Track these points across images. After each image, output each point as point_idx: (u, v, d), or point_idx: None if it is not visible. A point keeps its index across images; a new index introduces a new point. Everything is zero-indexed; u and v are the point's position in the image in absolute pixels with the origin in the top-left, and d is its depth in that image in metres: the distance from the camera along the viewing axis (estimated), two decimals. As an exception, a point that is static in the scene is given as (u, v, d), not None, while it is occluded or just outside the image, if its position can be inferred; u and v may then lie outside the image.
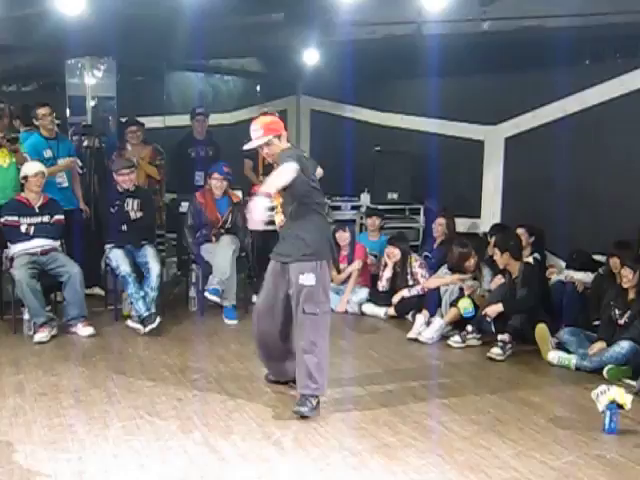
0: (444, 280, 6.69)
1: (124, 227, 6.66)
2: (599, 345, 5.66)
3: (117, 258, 6.49)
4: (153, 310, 6.38)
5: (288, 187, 4.38)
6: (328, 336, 4.61)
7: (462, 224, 8.28)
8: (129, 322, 6.45)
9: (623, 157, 6.80)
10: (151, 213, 7.07)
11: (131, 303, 6.46)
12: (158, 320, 6.31)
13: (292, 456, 4.01)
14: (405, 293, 7.04)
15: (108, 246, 6.66)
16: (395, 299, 7.08)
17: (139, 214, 6.75)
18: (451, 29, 6.62)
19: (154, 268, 6.53)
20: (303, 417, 4.44)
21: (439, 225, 7.71)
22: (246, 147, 4.72)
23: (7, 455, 3.93)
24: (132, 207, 6.72)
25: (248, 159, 8.30)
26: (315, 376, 4.47)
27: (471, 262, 6.64)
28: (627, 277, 5.69)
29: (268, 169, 8.32)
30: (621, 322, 5.68)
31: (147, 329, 6.27)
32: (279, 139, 4.60)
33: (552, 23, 6.14)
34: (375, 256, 7.70)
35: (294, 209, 4.54)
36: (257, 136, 4.59)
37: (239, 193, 7.59)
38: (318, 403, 4.55)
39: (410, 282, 7.09)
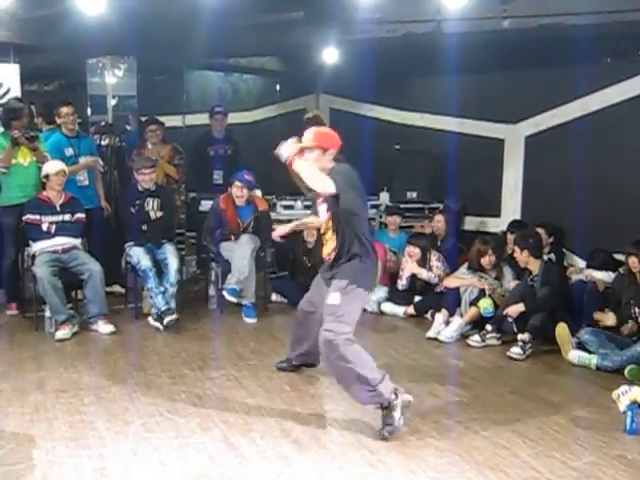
0: (464, 282, 6.66)
1: (144, 227, 6.71)
2: (629, 327, 5.67)
3: (137, 254, 6.55)
4: (172, 306, 6.44)
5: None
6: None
7: (473, 223, 8.28)
8: (150, 320, 6.47)
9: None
10: (171, 212, 7.11)
11: (151, 297, 6.49)
12: (176, 315, 6.38)
13: (311, 453, 4.01)
14: (423, 274, 7.11)
15: (128, 244, 6.70)
16: (407, 271, 7.18)
17: (159, 214, 6.78)
18: (471, 27, 6.59)
19: (172, 264, 6.58)
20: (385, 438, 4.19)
21: (437, 222, 7.74)
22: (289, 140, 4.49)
23: (28, 451, 3.97)
24: (152, 207, 6.76)
25: None
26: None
27: (487, 260, 6.60)
28: (647, 272, 5.66)
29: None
30: (642, 320, 5.67)
31: (166, 321, 6.33)
32: (324, 153, 4.44)
33: (572, 20, 6.10)
34: (395, 252, 7.69)
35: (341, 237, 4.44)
36: (306, 139, 4.49)
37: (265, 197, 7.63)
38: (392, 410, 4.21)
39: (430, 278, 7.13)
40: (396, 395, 4.21)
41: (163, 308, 6.36)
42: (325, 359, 4.50)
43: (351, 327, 4.35)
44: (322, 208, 4.71)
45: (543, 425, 4.48)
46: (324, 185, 4.23)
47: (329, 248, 4.60)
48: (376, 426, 4.33)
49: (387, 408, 4.21)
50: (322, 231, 4.76)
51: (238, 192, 7.02)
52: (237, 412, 4.58)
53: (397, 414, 4.18)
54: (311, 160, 4.42)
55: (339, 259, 4.49)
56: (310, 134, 4.50)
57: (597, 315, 5.95)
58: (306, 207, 7.91)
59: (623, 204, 6.88)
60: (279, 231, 5.25)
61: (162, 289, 6.45)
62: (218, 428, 4.32)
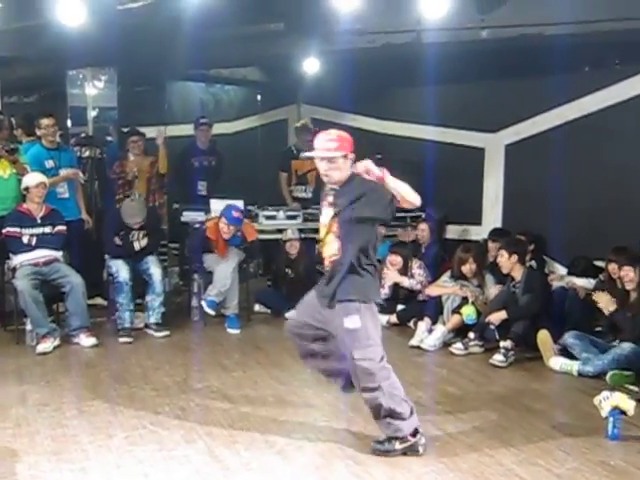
0: (446, 290, 6.69)
1: (127, 255, 6.67)
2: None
3: (117, 265, 6.54)
4: (160, 320, 6.63)
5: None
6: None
7: (455, 231, 8.31)
8: (120, 339, 6.43)
9: (622, 164, 6.80)
10: (156, 240, 7.03)
11: (118, 311, 6.49)
12: (167, 332, 6.60)
13: (296, 465, 4.00)
14: (405, 281, 7.13)
15: (108, 256, 6.68)
16: (389, 279, 7.17)
17: (143, 242, 6.70)
18: (450, 37, 6.63)
19: (156, 274, 6.61)
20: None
21: (422, 230, 7.77)
22: (307, 155, 4.28)
23: (10, 465, 3.93)
24: (137, 237, 6.68)
25: (283, 171, 8.40)
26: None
27: (468, 268, 6.63)
28: (628, 276, 5.70)
29: (302, 179, 8.47)
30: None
31: (160, 334, 6.57)
32: (346, 158, 4.07)
33: (551, 30, 6.15)
34: (379, 261, 7.69)
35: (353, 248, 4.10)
36: (329, 147, 4.03)
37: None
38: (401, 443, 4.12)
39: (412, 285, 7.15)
40: (414, 435, 4.10)
41: (129, 324, 6.48)
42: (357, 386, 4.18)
43: (380, 347, 4.13)
44: (328, 212, 4.25)
45: (526, 432, 4.49)
46: (416, 197, 4.11)
47: (325, 252, 4.26)
48: (361, 437, 4.34)
49: (399, 439, 4.09)
50: (322, 235, 4.33)
51: (225, 229, 6.88)
52: (221, 424, 4.56)
53: (400, 448, 4.08)
54: (336, 171, 4.07)
55: (339, 269, 4.15)
56: (334, 142, 4.05)
57: (595, 296, 5.88)
58: (289, 217, 7.92)
59: (602, 212, 6.94)
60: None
61: (132, 307, 6.53)
62: (202, 440, 4.29)
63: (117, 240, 6.61)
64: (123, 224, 6.61)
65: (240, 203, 7.32)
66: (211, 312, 6.72)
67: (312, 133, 8.32)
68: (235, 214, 6.83)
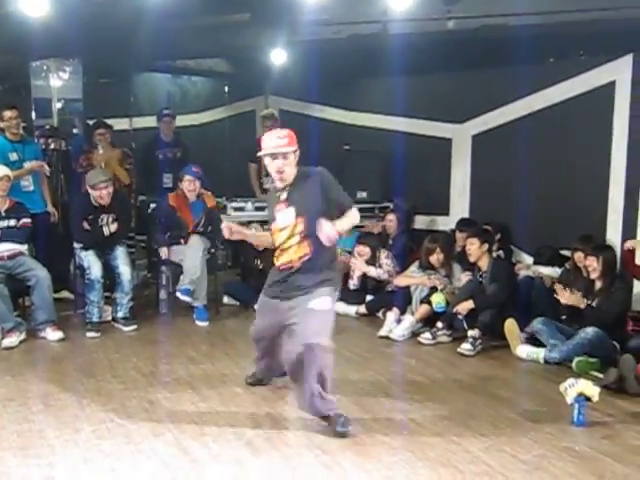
0: (414, 280, 6.72)
1: (97, 241, 6.59)
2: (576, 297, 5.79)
3: (89, 260, 6.46)
4: (128, 314, 6.59)
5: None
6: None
7: (423, 221, 8.34)
8: (87, 333, 6.38)
9: (587, 153, 6.88)
10: (126, 224, 6.97)
11: (87, 305, 6.43)
12: (135, 326, 6.57)
13: (264, 456, 3.99)
14: (372, 271, 7.15)
15: (77, 246, 6.60)
16: (358, 270, 7.22)
17: (113, 228, 6.62)
18: (416, 28, 6.65)
19: (125, 273, 6.55)
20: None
21: (389, 221, 7.80)
22: (262, 153, 4.32)
23: (-25, 462, 3.89)
24: (106, 222, 6.60)
25: (252, 163, 8.36)
26: None
27: (435, 258, 6.66)
28: (592, 265, 5.78)
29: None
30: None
31: (127, 330, 6.53)
32: (295, 155, 4.30)
33: (516, 21, 6.20)
34: (349, 252, 7.71)
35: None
36: (281, 144, 4.22)
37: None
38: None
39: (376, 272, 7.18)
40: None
41: (97, 319, 6.45)
42: (305, 366, 4.20)
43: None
44: (288, 212, 4.36)
45: (493, 420, 4.53)
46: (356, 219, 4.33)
47: (292, 255, 4.33)
48: (329, 427, 4.34)
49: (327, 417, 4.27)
50: (282, 239, 4.42)
51: (190, 186, 7.00)
52: (189, 416, 4.54)
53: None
54: (288, 166, 4.24)
55: (311, 267, 4.29)
56: (285, 138, 4.24)
57: (559, 293, 5.91)
58: (257, 209, 7.89)
59: (567, 201, 7.01)
60: (232, 226, 4.65)
61: (102, 303, 6.50)
62: (170, 433, 4.27)
63: (86, 225, 6.53)
64: (91, 207, 6.55)
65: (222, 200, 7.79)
66: (187, 299, 6.70)
67: (276, 121, 8.36)
68: (194, 169, 7.09)
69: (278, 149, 4.21)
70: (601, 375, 5.20)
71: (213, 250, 7.20)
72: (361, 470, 3.82)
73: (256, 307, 4.94)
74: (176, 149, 8.27)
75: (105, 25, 7.07)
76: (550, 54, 7.28)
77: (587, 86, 6.90)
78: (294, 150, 4.27)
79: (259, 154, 4.38)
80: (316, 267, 4.30)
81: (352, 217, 4.29)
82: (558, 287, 5.89)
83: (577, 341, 5.53)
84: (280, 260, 4.45)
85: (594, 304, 5.74)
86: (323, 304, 4.26)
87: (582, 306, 5.74)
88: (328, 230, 4.04)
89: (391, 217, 7.85)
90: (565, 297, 5.79)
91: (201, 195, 7.16)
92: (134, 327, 6.55)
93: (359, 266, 7.18)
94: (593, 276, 5.79)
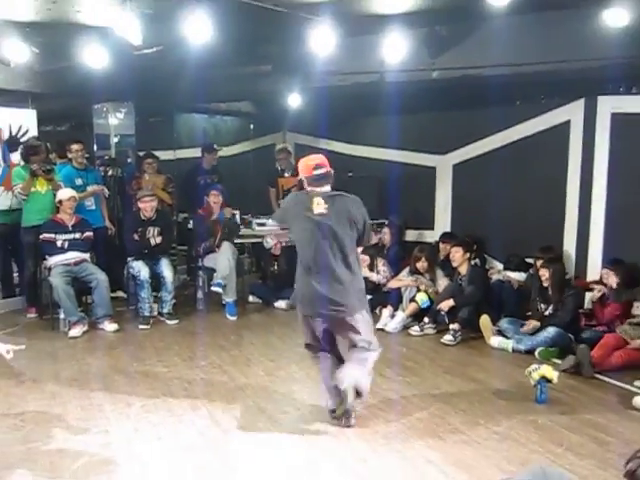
0: (403, 283, 6.72)
1: (145, 251, 6.58)
2: (533, 323, 5.72)
3: (138, 266, 6.46)
4: (171, 310, 6.58)
5: None
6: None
7: (413, 234, 8.32)
8: (140, 326, 6.36)
9: (546, 178, 6.85)
10: (169, 238, 6.95)
11: (140, 302, 6.43)
12: (177, 320, 6.53)
13: (282, 427, 4.00)
14: (374, 276, 7.05)
15: (130, 258, 6.62)
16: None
17: (159, 239, 6.61)
18: (407, 77, 6.64)
19: (168, 277, 6.54)
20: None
21: (385, 234, 7.77)
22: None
23: (47, 430, 3.91)
24: (153, 234, 6.59)
25: (272, 187, 8.37)
26: None
27: (421, 264, 6.65)
28: (544, 275, 5.76)
29: (287, 194, 8.40)
30: (546, 313, 5.74)
31: (171, 323, 6.50)
32: (300, 182, 4.15)
33: (489, 72, 6.17)
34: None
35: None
36: (327, 170, 4.13)
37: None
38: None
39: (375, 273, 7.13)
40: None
41: (148, 313, 6.41)
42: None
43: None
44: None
45: (471, 398, 4.52)
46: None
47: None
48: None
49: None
50: None
51: (215, 198, 7.12)
52: (221, 394, 4.55)
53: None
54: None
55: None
56: (327, 165, 4.16)
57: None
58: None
59: (532, 218, 6.97)
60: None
61: (152, 299, 6.46)
62: (205, 408, 4.29)
63: (135, 236, 6.54)
64: (140, 222, 6.57)
65: (237, 212, 7.68)
66: (220, 290, 6.69)
67: (289, 154, 8.40)
68: (219, 186, 7.35)
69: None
70: (559, 361, 5.18)
71: (240, 259, 7.22)
72: (362, 439, 3.82)
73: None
74: (214, 175, 8.28)
75: (153, 75, 7.13)
76: (517, 98, 7.26)
77: (547, 124, 6.88)
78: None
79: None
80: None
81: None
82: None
83: (541, 338, 5.52)
84: None
85: (551, 310, 5.70)
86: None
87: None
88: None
89: (386, 230, 7.83)
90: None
91: (223, 207, 7.23)
92: (176, 321, 6.54)
93: (364, 272, 7.12)
94: (545, 284, 5.76)
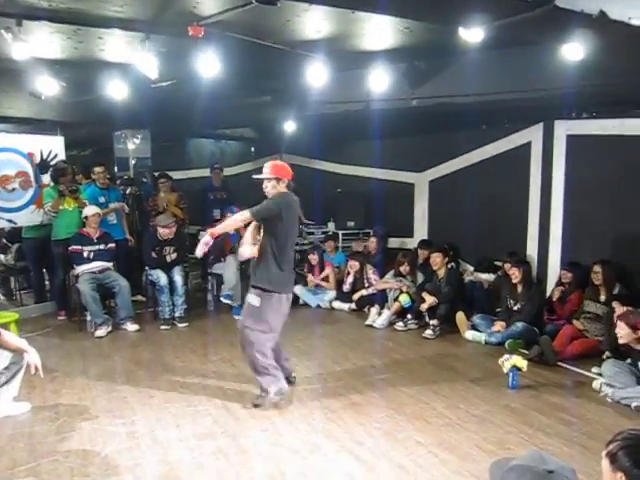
0: (388, 284, 6.68)
1: (161, 265, 6.47)
2: (500, 323, 5.71)
3: (157, 273, 6.36)
4: (183, 314, 6.40)
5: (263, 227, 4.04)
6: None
7: (395, 242, 8.31)
8: (161, 327, 6.25)
9: (508, 193, 6.86)
10: (182, 253, 6.74)
11: (161, 306, 6.32)
12: (187, 323, 6.39)
13: (287, 414, 3.95)
14: (363, 292, 6.99)
15: (148, 267, 6.53)
16: (356, 296, 7.02)
17: (174, 256, 6.49)
18: (390, 105, 6.62)
19: (179, 282, 6.38)
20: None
21: (371, 242, 7.73)
22: (255, 176, 4.17)
23: (78, 421, 3.83)
24: (169, 252, 6.49)
25: None
26: None
27: (404, 268, 6.63)
28: (514, 274, 5.76)
29: None
30: (515, 309, 5.74)
31: (181, 327, 6.31)
32: (278, 182, 4.02)
33: (460, 100, 6.17)
34: (338, 267, 7.66)
35: (262, 246, 4.06)
36: (265, 172, 4.05)
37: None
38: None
39: (366, 284, 7.04)
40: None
41: (168, 316, 6.30)
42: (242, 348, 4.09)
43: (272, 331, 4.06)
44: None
45: (451, 385, 4.49)
46: (235, 220, 4.09)
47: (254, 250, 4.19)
48: (334, 392, 4.30)
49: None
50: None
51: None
52: (232, 386, 4.48)
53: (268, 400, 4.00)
54: (270, 188, 4.04)
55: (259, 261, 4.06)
56: (267, 167, 4.09)
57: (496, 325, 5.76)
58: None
59: (498, 227, 6.96)
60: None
61: (170, 303, 6.32)
62: (219, 398, 4.22)
63: (154, 254, 6.46)
64: (158, 241, 6.46)
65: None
66: (229, 301, 6.61)
67: None
68: (235, 208, 6.77)
69: (261, 176, 4.08)
70: (526, 351, 5.17)
71: (244, 266, 7.11)
72: (358, 423, 3.78)
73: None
74: (223, 192, 8.21)
75: (168, 105, 7.10)
76: (483, 122, 7.29)
77: (510, 145, 6.88)
78: (275, 177, 4.03)
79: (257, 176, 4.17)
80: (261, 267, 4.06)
81: (227, 223, 4.17)
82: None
83: (510, 331, 5.51)
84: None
85: (519, 305, 5.69)
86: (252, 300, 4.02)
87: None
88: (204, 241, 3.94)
89: (372, 239, 7.79)
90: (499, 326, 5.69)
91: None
92: (186, 324, 6.34)
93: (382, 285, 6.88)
94: (515, 281, 5.76)
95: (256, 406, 4.01)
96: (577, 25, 3.79)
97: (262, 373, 3.99)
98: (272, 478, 3.12)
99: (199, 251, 3.97)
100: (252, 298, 4.03)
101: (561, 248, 6.39)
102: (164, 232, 6.45)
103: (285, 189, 4.09)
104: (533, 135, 6.62)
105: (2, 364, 3.85)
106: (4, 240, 7.67)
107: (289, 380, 4.31)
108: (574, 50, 4.17)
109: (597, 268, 5.41)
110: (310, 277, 7.47)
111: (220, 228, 4.10)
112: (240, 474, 3.16)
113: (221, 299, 6.65)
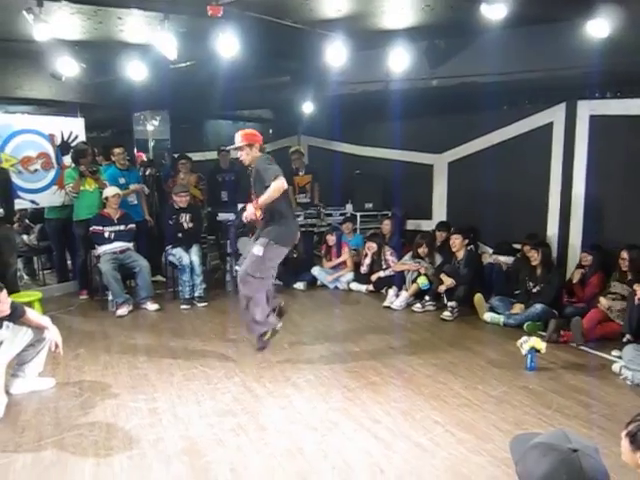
0: (405, 266, 6.67)
1: (179, 235, 6.52)
2: (518, 306, 5.68)
3: (179, 253, 6.41)
4: (203, 294, 6.44)
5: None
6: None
7: (413, 224, 8.27)
8: (181, 306, 6.32)
9: (531, 174, 6.80)
10: (199, 223, 6.89)
11: (181, 285, 6.38)
12: (206, 302, 6.42)
13: (306, 392, 3.99)
14: (381, 274, 7.00)
15: (169, 246, 6.59)
16: (373, 278, 7.04)
17: (190, 224, 6.57)
18: (409, 85, 6.57)
19: (196, 261, 6.40)
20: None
21: (385, 225, 7.67)
22: (228, 148, 4.40)
23: (101, 397, 3.92)
24: (185, 219, 6.56)
25: (288, 184, 8.28)
26: None
27: (422, 250, 6.61)
28: (534, 256, 5.72)
29: (302, 189, 8.34)
30: (534, 291, 5.70)
31: (200, 306, 6.36)
32: (251, 148, 4.39)
33: (481, 80, 6.10)
34: (355, 249, 7.66)
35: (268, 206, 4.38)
36: (237, 141, 4.40)
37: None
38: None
39: (384, 265, 7.05)
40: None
41: (189, 296, 6.37)
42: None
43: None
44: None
45: (469, 366, 4.50)
46: (279, 190, 4.25)
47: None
48: (352, 372, 4.33)
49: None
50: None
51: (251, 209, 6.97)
52: (251, 364, 4.54)
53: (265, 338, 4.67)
54: (245, 155, 4.36)
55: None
56: (238, 136, 4.38)
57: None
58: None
59: (518, 209, 6.92)
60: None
61: (191, 283, 6.36)
62: (238, 376, 4.28)
63: (170, 222, 6.51)
64: (174, 210, 6.53)
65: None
66: None
67: (302, 155, 8.30)
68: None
69: (234, 146, 4.46)
70: (545, 333, 5.14)
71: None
72: (375, 403, 3.81)
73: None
74: (230, 174, 8.19)
75: (186, 87, 7.10)
76: (504, 103, 7.19)
77: (532, 125, 6.81)
78: (247, 144, 4.39)
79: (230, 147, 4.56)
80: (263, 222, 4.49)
81: (270, 191, 4.27)
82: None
83: (529, 314, 5.48)
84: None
85: (539, 287, 5.65)
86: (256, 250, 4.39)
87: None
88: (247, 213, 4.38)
89: (387, 222, 7.73)
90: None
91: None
92: (205, 304, 6.40)
93: (393, 266, 6.94)
94: (534, 264, 5.72)
95: (261, 349, 4.61)
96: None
97: (260, 323, 4.55)
98: (290, 454, 3.17)
99: (249, 215, 4.33)
100: (257, 249, 4.41)
101: (582, 231, 6.33)
102: (179, 200, 6.54)
103: (259, 153, 4.39)
104: (555, 115, 6.53)
105: (26, 341, 3.94)
106: (27, 221, 7.80)
107: (280, 309, 4.87)
108: (599, 26, 4.09)
109: (624, 254, 5.29)
110: (326, 263, 7.46)
111: (264, 199, 4.30)
112: (260, 450, 3.22)
113: (236, 268, 6.70)
